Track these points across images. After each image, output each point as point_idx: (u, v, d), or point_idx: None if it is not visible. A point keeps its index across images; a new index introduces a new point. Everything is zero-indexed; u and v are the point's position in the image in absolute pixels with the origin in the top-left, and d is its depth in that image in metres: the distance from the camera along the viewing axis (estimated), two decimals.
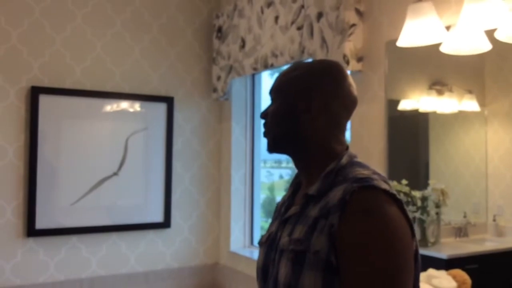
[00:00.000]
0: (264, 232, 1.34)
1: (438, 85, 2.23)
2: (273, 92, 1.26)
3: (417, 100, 2.31)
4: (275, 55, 2.75)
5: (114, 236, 3.18)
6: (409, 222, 1.07)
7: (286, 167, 4.21)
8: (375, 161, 2.31)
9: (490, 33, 1.83)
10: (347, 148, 1.23)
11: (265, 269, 1.22)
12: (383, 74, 2.29)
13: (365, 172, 1.11)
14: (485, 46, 1.86)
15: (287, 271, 1.11)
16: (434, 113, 2.30)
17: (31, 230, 2.92)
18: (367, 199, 1.04)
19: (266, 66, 2.84)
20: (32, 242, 2.95)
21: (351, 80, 1.24)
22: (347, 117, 1.23)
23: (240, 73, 3.09)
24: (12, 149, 2.91)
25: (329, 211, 1.07)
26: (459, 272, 2.01)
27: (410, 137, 2.43)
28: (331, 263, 1.04)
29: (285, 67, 2.80)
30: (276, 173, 4.42)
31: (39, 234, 2.95)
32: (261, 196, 3.57)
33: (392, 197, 1.06)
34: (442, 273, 2.03)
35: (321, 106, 1.18)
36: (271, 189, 4.31)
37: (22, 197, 2.92)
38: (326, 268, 1.05)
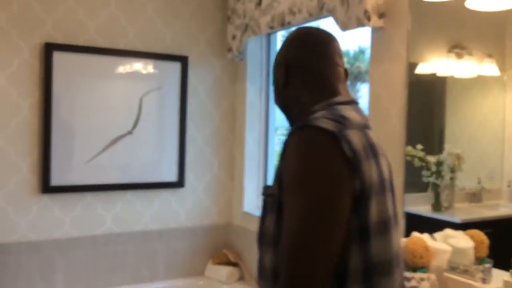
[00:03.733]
0: None
1: (457, 48, 2.19)
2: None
3: (435, 64, 2.27)
4: (292, 13, 2.69)
5: (128, 194, 3.21)
6: (348, 159, 1.06)
7: None
8: (394, 121, 2.29)
9: None
10: (331, 97, 1.24)
11: None
12: (405, 32, 2.22)
13: (317, 115, 1.14)
14: None
15: (260, 216, 1.22)
16: (452, 77, 2.27)
17: (46, 187, 2.94)
18: (298, 136, 1.09)
19: (283, 24, 2.78)
20: (47, 198, 2.98)
21: (314, 36, 1.29)
22: (322, 71, 1.26)
23: (256, 32, 3.03)
24: (26, 106, 2.91)
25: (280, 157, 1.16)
26: (476, 232, 2.03)
27: (427, 102, 2.40)
28: (281, 203, 1.10)
29: (303, 25, 2.75)
30: None
31: (54, 191, 2.97)
32: (275, 158, 3.56)
33: (329, 134, 1.06)
34: (459, 233, 2.05)
35: (292, 74, 1.27)
36: None
37: (37, 154, 2.94)
38: (278, 209, 1.11)
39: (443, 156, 2.21)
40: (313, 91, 1.25)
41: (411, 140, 2.25)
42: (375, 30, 2.34)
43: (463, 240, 1.99)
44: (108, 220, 3.15)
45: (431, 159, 2.23)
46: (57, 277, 3.00)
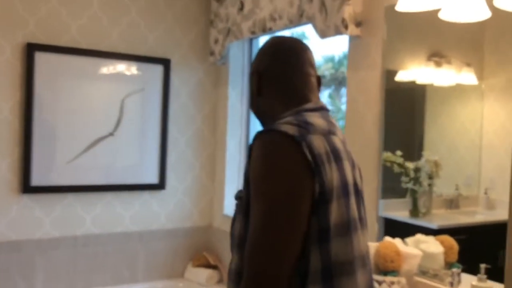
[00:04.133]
0: None
1: (436, 57, 2.21)
2: None
3: (414, 71, 2.30)
4: (273, 19, 2.73)
5: (109, 196, 3.22)
6: (308, 162, 1.09)
7: None
8: (370, 128, 2.33)
9: (490, 1, 1.81)
10: (302, 104, 1.27)
11: None
12: (381, 40, 2.27)
13: (282, 121, 1.18)
14: (485, 14, 1.84)
15: (232, 219, 1.26)
16: (431, 85, 2.29)
17: (27, 187, 2.95)
18: (261, 140, 1.13)
19: (264, 30, 2.81)
20: (27, 198, 2.98)
21: (286, 46, 1.32)
22: (292, 81, 1.30)
23: (238, 37, 3.06)
24: (7, 106, 2.91)
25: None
26: (446, 238, 2.07)
27: (407, 109, 2.43)
28: (248, 206, 1.13)
29: (283, 32, 2.79)
30: None
31: (35, 191, 2.98)
32: None
33: (291, 138, 1.11)
34: (430, 238, 2.09)
35: (265, 83, 1.30)
36: None
37: (18, 154, 2.94)
38: (245, 211, 1.14)
39: (421, 162, 2.24)
40: (284, 99, 1.28)
41: (391, 146, 2.28)
42: (352, 38, 2.39)
43: (433, 245, 2.03)
44: (88, 221, 3.16)
45: (410, 165, 2.26)
46: (37, 276, 3.01)
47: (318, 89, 1.37)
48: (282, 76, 1.30)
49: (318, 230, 1.08)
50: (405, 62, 2.32)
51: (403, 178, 2.26)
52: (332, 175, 1.11)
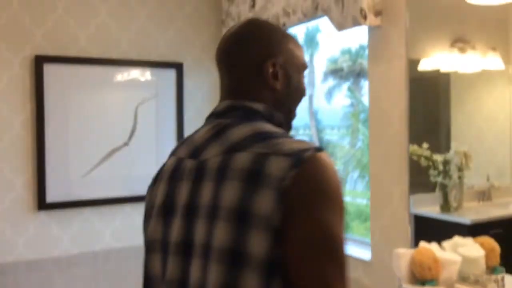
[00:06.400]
0: None
1: (460, 43, 2.14)
2: None
3: (438, 59, 2.21)
4: (287, 14, 2.64)
5: (127, 208, 3.16)
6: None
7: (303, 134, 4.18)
8: (396, 124, 2.22)
9: None
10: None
11: None
12: (403, 29, 2.16)
13: None
14: None
15: None
16: (456, 73, 2.21)
17: (42, 204, 2.91)
18: None
19: None
20: (44, 215, 2.94)
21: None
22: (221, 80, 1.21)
23: None
24: (19, 121, 2.87)
25: None
26: (486, 239, 1.95)
27: (431, 99, 2.35)
28: None
29: (297, 26, 2.71)
30: None
31: (51, 207, 2.94)
32: None
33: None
34: (468, 241, 1.97)
35: None
36: None
37: (31, 170, 2.90)
38: None
39: (450, 154, 2.16)
40: None
41: (416, 138, 2.20)
42: (372, 29, 2.28)
43: (473, 249, 1.90)
44: (107, 235, 3.11)
45: (438, 158, 2.17)
46: None
47: (258, 80, 1.11)
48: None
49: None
50: (428, 50, 2.23)
51: (432, 172, 2.17)
52: (150, 197, 1.18)
